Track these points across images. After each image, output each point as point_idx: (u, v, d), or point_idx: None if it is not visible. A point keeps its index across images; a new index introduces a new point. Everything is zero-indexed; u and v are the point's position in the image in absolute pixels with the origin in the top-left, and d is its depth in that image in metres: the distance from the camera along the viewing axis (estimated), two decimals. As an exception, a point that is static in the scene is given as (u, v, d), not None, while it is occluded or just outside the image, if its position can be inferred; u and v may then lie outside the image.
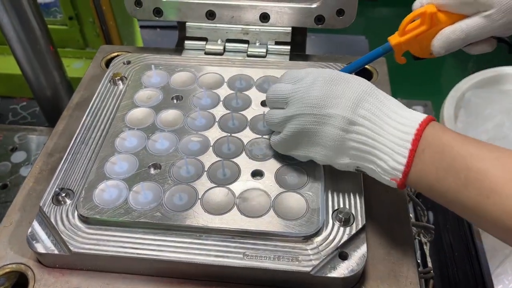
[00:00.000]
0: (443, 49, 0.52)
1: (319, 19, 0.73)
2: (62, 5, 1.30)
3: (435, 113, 1.44)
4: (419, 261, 0.77)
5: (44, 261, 0.52)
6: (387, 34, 0.58)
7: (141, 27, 1.55)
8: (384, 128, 0.45)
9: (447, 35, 0.51)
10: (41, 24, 1.07)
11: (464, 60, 2.15)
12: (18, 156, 1.08)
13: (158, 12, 0.75)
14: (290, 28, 0.74)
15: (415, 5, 0.54)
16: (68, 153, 0.58)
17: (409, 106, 1.50)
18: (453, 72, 2.08)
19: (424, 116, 0.46)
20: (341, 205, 0.52)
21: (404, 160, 0.44)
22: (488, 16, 0.49)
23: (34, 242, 0.50)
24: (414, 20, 0.54)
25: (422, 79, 1.93)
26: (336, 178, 0.54)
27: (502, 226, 0.40)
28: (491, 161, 0.41)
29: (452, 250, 0.92)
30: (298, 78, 0.52)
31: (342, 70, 0.60)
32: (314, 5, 0.72)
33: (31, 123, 1.36)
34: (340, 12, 0.71)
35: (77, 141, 0.60)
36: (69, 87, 1.21)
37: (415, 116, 0.46)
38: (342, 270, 0.47)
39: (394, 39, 0.55)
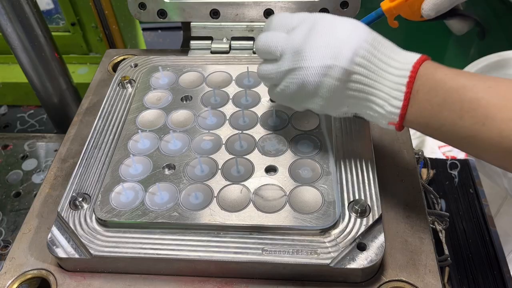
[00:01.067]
0: (432, 11, 0.54)
1: (323, 12, 0.72)
2: (64, 11, 1.30)
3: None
4: (434, 249, 0.77)
5: (65, 265, 0.52)
6: (387, 23, 0.58)
7: (143, 29, 1.56)
8: (380, 74, 0.46)
9: None
10: (45, 31, 1.07)
11: (466, 46, 2.14)
12: (29, 164, 1.09)
13: (162, 13, 0.75)
14: (295, 23, 0.74)
15: None
16: (82, 158, 0.59)
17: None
18: (455, 58, 2.08)
19: (418, 56, 0.46)
20: (357, 197, 0.52)
21: (400, 103, 0.45)
22: None
23: (54, 247, 0.51)
24: None
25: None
26: (350, 169, 0.55)
27: (500, 149, 0.40)
28: (484, 90, 0.42)
29: (466, 236, 0.92)
30: (291, 26, 0.51)
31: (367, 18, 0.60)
32: (317, -1, 0.72)
33: (39, 130, 1.37)
34: (344, 4, 0.71)
35: (90, 145, 0.60)
36: (76, 93, 1.22)
37: (409, 58, 0.46)
38: (361, 261, 0.48)
39: (385, 5, 0.57)
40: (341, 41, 0.47)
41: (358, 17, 0.58)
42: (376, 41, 0.48)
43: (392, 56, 0.47)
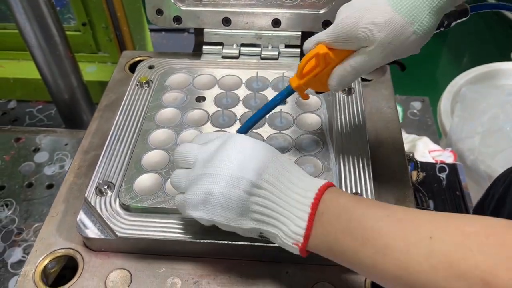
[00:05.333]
0: (339, 85, 0.54)
1: (326, 23, 0.79)
2: (76, 11, 1.36)
3: (432, 108, 1.51)
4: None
5: (91, 245, 0.58)
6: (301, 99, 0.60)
7: (150, 30, 1.61)
8: (286, 193, 0.47)
9: (340, 73, 0.53)
10: (60, 30, 1.13)
11: (459, 57, 2.22)
12: (41, 156, 1.14)
13: (177, 19, 0.81)
14: (300, 33, 0.80)
15: (306, 47, 0.56)
16: (105, 149, 0.65)
17: (407, 102, 1.58)
18: (449, 69, 2.15)
19: (324, 182, 0.48)
20: (354, 190, 0.58)
21: (304, 224, 0.45)
22: (371, 51, 0.50)
23: (83, 228, 0.57)
24: (308, 62, 0.55)
25: (419, 76, 2.00)
26: (348, 167, 0.61)
27: (401, 282, 0.41)
28: (383, 219, 0.43)
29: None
30: (207, 140, 0.53)
31: (245, 124, 0.60)
32: (321, 11, 0.78)
33: (47, 125, 1.42)
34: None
35: (112, 139, 0.66)
36: (85, 90, 1.27)
37: (315, 182, 0.48)
38: (357, 246, 0.54)
39: (294, 82, 0.57)
40: (252, 156, 0.49)
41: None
42: (286, 163, 0.49)
43: (300, 177, 0.48)
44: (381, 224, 0.43)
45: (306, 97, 0.58)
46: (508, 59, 1.66)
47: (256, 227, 0.49)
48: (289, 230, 0.46)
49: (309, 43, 0.55)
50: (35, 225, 1.01)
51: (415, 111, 1.49)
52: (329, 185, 0.48)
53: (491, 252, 0.37)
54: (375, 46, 0.50)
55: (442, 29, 0.55)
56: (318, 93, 0.60)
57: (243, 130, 0.60)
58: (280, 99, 0.59)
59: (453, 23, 0.55)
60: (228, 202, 0.48)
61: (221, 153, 0.49)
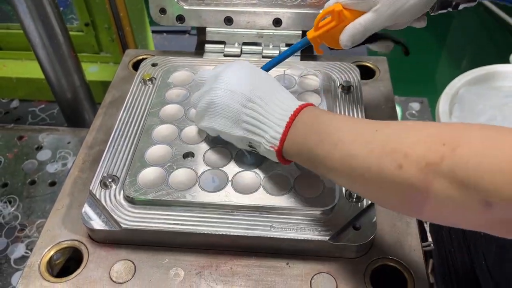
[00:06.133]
0: (349, 41, 0.61)
1: (326, 23, 0.81)
2: (79, 12, 1.38)
3: (431, 109, 1.52)
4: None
5: (95, 237, 0.59)
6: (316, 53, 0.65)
7: (151, 32, 1.63)
8: (272, 108, 0.55)
9: (351, 30, 0.60)
10: (63, 30, 1.15)
11: (458, 60, 2.24)
12: (44, 154, 1.16)
13: (180, 18, 0.83)
14: (301, 32, 0.82)
15: (327, 4, 0.62)
16: (110, 144, 0.66)
17: (407, 103, 1.59)
18: (447, 71, 2.17)
19: (304, 102, 0.56)
20: (353, 184, 0.60)
21: (281, 130, 0.53)
22: (377, 10, 0.58)
23: (88, 220, 0.58)
24: (325, 17, 0.62)
25: (418, 78, 2.02)
26: (348, 162, 0.62)
27: (344, 169, 0.47)
28: (343, 120, 0.51)
29: (449, 232, 1.00)
30: (218, 67, 0.63)
31: (269, 63, 0.69)
32: (321, 11, 0.80)
33: (49, 124, 1.44)
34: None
35: (116, 134, 0.67)
36: (88, 89, 1.29)
37: (298, 102, 0.56)
38: (356, 238, 0.55)
39: (310, 34, 0.63)
40: (249, 76, 0.58)
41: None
42: (277, 86, 0.58)
43: (286, 97, 0.57)
44: (340, 124, 0.50)
45: (320, 51, 0.65)
46: (507, 62, 1.67)
47: (245, 136, 0.57)
48: (269, 136, 0.54)
49: (329, 1, 0.62)
50: (38, 222, 1.03)
51: (413, 111, 1.50)
52: (309, 105, 0.55)
53: (417, 134, 0.43)
54: (380, 5, 0.57)
55: (450, 9, 0.58)
56: (330, 49, 0.65)
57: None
58: (297, 48, 0.67)
59: (461, 6, 0.58)
60: (225, 112, 0.57)
61: (224, 72, 0.59)
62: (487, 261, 0.70)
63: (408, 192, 0.42)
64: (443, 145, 0.40)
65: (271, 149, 0.54)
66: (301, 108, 0.54)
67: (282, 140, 0.53)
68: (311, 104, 0.56)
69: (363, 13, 0.59)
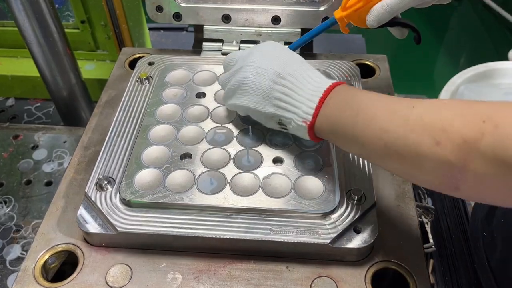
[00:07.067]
0: (375, 21, 0.62)
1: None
2: (75, 9, 1.36)
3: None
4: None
5: (91, 240, 0.58)
6: (380, 33, 0.65)
7: (148, 29, 1.61)
8: (304, 84, 0.55)
9: (377, 10, 0.61)
10: (59, 27, 1.13)
11: (457, 57, 2.23)
12: (40, 154, 1.14)
13: (177, 16, 0.82)
14: (300, 29, 0.81)
15: None
16: (105, 145, 0.65)
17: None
18: (447, 69, 2.16)
19: (337, 81, 0.56)
20: (354, 186, 0.59)
21: (314, 105, 0.53)
22: None
23: (83, 223, 0.57)
24: None
25: (418, 76, 2.01)
26: (348, 163, 0.61)
27: (381, 143, 0.47)
28: (377, 97, 0.50)
29: (449, 232, 0.99)
30: (246, 50, 0.64)
31: (296, 42, 0.70)
32: (321, 8, 0.78)
33: (45, 123, 1.42)
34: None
35: (112, 134, 0.66)
36: (84, 87, 1.27)
37: (329, 80, 0.56)
38: (357, 241, 0.54)
39: (337, 14, 0.65)
40: (281, 54, 0.59)
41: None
42: (308, 65, 0.58)
43: (318, 75, 0.57)
44: (375, 99, 0.50)
45: (346, 30, 0.66)
46: (505, 59, 1.66)
47: (276, 112, 0.57)
48: (301, 111, 0.54)
49: None
50: (34, 222, 1.01)
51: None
52: (341, 83, 0.55)
53: (454, 109, 0.43)
54: None
55: None
56: (357, 28, 0.66)
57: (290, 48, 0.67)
58: (324, 27, 0.68)
59: None
60: (256, 88, 0.58)
61: (253, 52, 0.60)
62: (490, 262, 0.69)
63: (445, 169, 0.42)
64: (483, 122, 0.39)
65: (304, 124, 0.54)
66: (334, 85, 0.54)
67: (315, 115, 0.53)
68: (343, 83, 0.55)
69: None
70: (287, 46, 0.67)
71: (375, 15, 0.61)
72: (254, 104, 0.59)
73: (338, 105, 0.52)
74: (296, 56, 0.60)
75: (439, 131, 0.42)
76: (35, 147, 1.15)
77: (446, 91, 1.49)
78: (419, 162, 0.43)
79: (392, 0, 0.60)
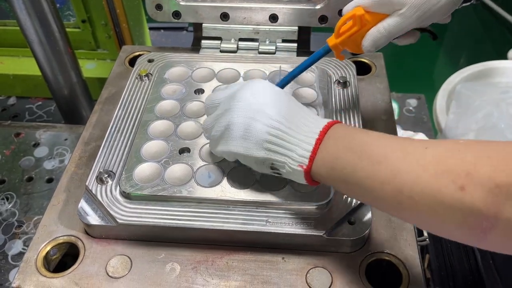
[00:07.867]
0: (372, 47, 0.58)
1: (323, 18, 0.81)
2: (76, 9, 1.37)
3: (428, 105, 1.52)
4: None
5: (92, 232, 0.60)
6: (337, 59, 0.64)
7: (149, 28, 1.63)
8: (298, 125, 0.51)
9: (374, 34, 0.57)
10: (60, 27, 1.15)
11: (456, 56, 2.24)
12: (41, 151, 1.15)
13: (177, 14, 0.83)
14: (297, 28, 0.82)
15: (345, 9, 0.60)
16: (106, 140, 0.66)
17: (404, 99, 1.59)
18: (445, 67, 2.17)
19: (332, 120, 0.52)
20: (348, 179, 0.60)
21: (310, 147, 0.49)
22: (402, 13, 0.55)
23: (84, 215, 0.58)
24: (346, 23, 0.59)
25: (416, 74, 2.02)
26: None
27: (388, 187, 0.43)
28: (383, 136, 0.47)
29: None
30: (229, 86, 0.59)
31: (284, 78, 0.65)
32: (318, 6, 0.80)
33: (46, 121, 1.44)
34: (341, 12, 0.79)
35: (113, 130, 0.67)
36: (85, 86, 1.29)
37: (325, 120, 0.52)
38: (351, 233, 0.56)
39: (331, 41, 0.61)
40: (272, 94, 0.54)
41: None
42: (302, 106, 0.54)
43: (313, 116, 0.53)
44: (381, 140, 0.46)
45: (341, 57, 0.62)
46: (504, 58, 1.67)
47: (268, 156, 0.52)
48: (296, 155, 0.50)
49: (348, 6, 0.59)
50: (35, 218, 1.03)
51: (410, 108, 1.50)
52: (337, 122, 0.52)
53: (476, 151, 0.39)
54: (407, 9, 0.54)
55: (473, 1, 0.57)
56: (353, 54, 0.63)
57: (280, 85, 0.64)
58: (318, 57, 0.63)
59: None
60: (246, 132, 0.52)
61: (243, 91, 0.55)
62: (495, 261, 0.69)
63: (470, 218, 0.37)
64: None
65: (299, 168, 0.50)
66: (330, 124, 0.50)
67: (312, 158, 0.49)
68: (339, 122, 0.52)
69: (384, 15, 0.56)
70: (275, 85, 0.60)
71: (371, 40, 0.57)
72: (243, 150, 0.53)
73: (336, 147, 0.48)
74: (287, 95, 0.55)
75: (462, 174, 0.38)
76: (36, 145, 1.17)
77: (444, 90, 1.50)
78: (438, 209, 0.39)
79: (389, 24, 0.56)
